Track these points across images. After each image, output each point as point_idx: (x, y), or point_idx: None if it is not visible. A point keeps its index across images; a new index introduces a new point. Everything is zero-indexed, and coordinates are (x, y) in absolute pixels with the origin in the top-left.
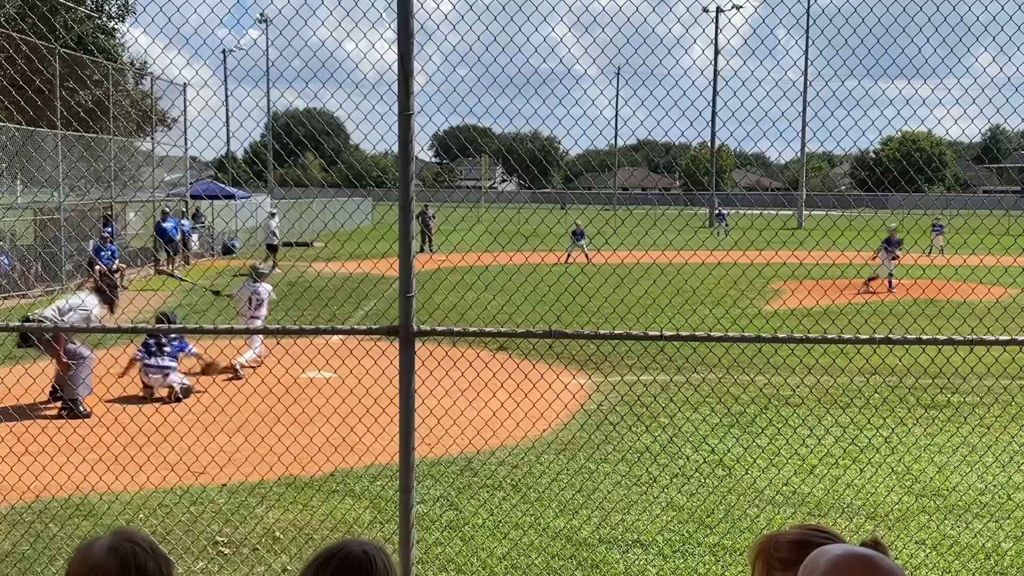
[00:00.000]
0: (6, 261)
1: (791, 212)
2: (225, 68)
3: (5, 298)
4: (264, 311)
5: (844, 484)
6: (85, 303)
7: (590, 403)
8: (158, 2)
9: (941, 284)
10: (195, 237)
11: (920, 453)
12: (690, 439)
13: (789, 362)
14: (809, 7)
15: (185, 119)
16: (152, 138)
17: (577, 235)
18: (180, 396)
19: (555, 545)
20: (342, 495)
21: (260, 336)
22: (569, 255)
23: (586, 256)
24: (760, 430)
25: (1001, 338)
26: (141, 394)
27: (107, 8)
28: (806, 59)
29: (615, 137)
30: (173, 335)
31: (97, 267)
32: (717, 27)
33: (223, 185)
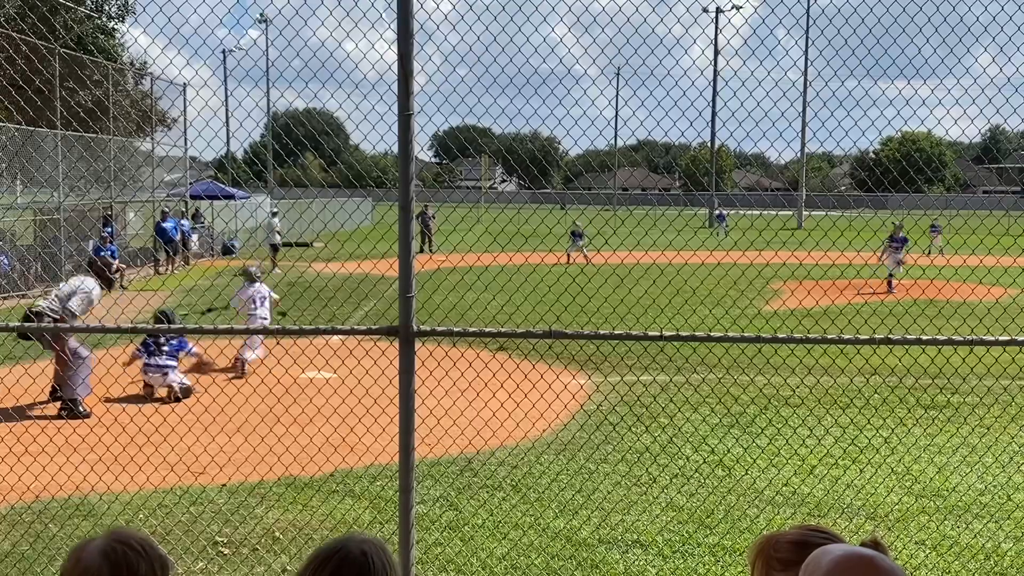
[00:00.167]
0: (6, 261)
1: (791, 212)
2: (225, 68)
3: (5, 298)
4: (267, 310)
5: (844, 484)
6: (84, 284)
7: (590, 403)
8: (158, 2)
9: (941, 284)
10: (195, 237)
11: (920, 453)
12: (690, 439)
13: (789, 362)
14: (809, 7)
15: (185, 119)
16: (152, 138)
17: (576, 236)
18: (180, 396)
19: (555, 545)
20: (342, 495)
21: (260, 336)
22: (569, 255)
23: (585, 257)
24: (760, 430)
25: (1001, 338)
26: (142, 393)
27: (107, 8)
28: (806, 59)
29: (615, 137)
30: (171, 334)
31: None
32: (717, 27)
33: (223, 185)
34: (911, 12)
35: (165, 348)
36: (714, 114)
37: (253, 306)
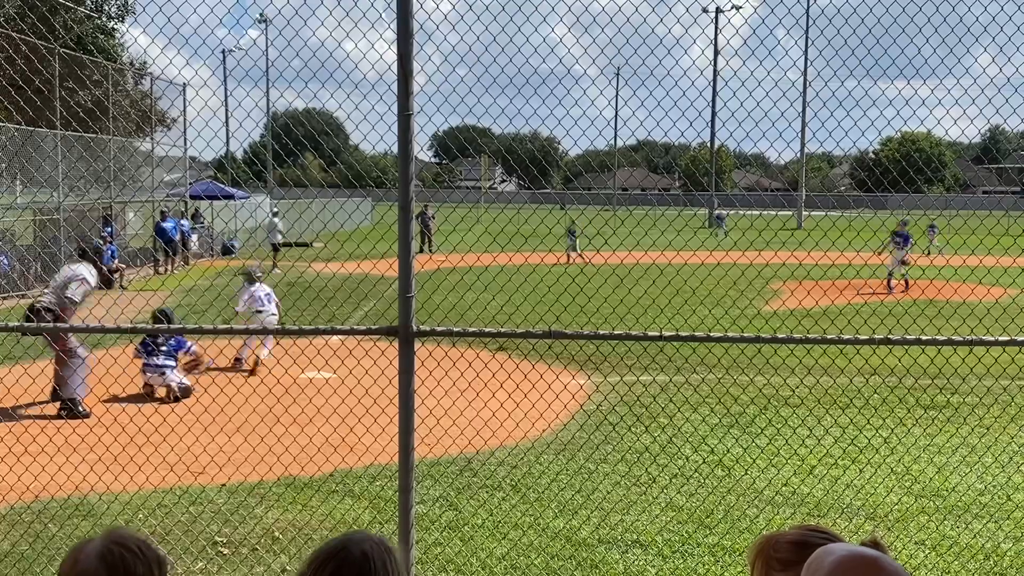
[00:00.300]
0: (6, 261)
1: (791, 213)
2: (225, 68)
3: (5, 298)
4: (275, 307)
5: (843, 484)
6: (78, 272)
7: (590, 403)
8: (158, 2)
9: (941, 284)
10: (194, 237)
11: (920, 453)
12: (690, 439)
13: (789, 362)
14: (809, 7)
15: (185, 119)
16: (152, 138)
17: (571, 234)
18: (179, 396)
19: (555, 545)
20: (341, 495)
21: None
22: (569, 256)
23: (580, 256)
24: (760, 430)
25: (1001, 338)
26: (142, 393)
27: (107, 8)
28: (806, 59)
29: (615, 137)
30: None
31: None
32: (717, 27)
33: (222, 185)
34: (911, 12)
35: (163, 348)
36: (714, 114)
37: (261, 305)
